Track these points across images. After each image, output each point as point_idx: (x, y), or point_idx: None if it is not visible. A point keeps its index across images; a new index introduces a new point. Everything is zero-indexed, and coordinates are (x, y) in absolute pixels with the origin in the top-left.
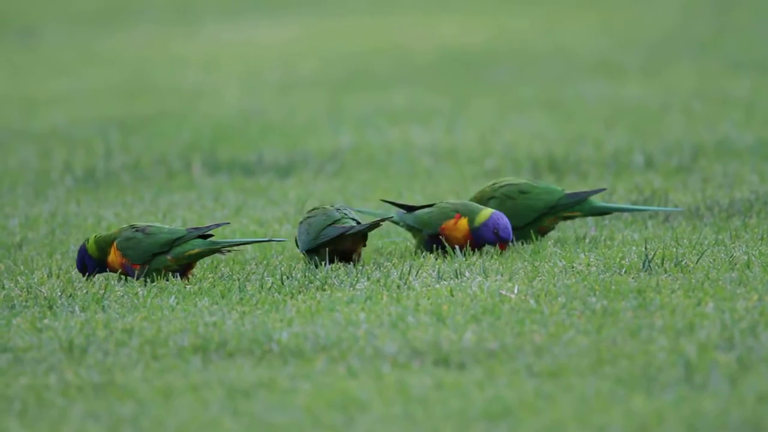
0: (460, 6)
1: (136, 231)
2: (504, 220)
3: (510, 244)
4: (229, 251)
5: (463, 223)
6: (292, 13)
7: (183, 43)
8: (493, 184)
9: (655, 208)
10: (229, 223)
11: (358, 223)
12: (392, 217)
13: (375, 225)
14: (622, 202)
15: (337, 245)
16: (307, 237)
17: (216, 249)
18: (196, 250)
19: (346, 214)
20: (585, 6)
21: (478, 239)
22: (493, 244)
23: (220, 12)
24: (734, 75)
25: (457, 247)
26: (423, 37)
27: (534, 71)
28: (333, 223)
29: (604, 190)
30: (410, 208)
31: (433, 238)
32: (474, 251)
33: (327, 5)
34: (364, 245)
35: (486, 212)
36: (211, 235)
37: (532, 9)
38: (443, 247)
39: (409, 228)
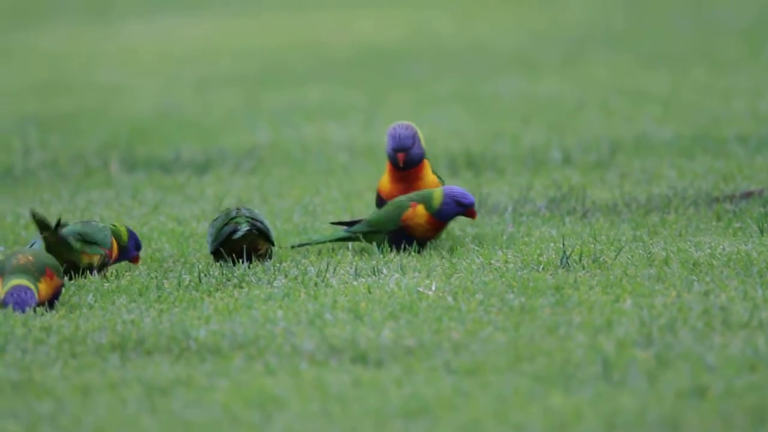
0: (376, 1)
1: None
2: (457, 189)
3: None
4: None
5: (421, 209)
6: (209, 10)
7: (99, 40)
8: None
9: None
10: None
11: (260, 223)
12: (247, 228)
13: (257, 230)
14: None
15: (234, 246)
16: (210, 239)
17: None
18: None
19: (243, 214)
20: (501, 1)
21: (444, 217)
22: (461, 214)
23: (137, 9)
24: (650, 69)
25: (384, 243)
26: (339, 33)
27: (450, 67)
28: (228, 223)
29: None
30: (352, 223)
31: (396, 234)
32: (399, 249)
33: (243, 2)
34: (272, 244)
35: (438, 191)
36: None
37: (448, 4)
38: (409, 242)
39: (367, 234)
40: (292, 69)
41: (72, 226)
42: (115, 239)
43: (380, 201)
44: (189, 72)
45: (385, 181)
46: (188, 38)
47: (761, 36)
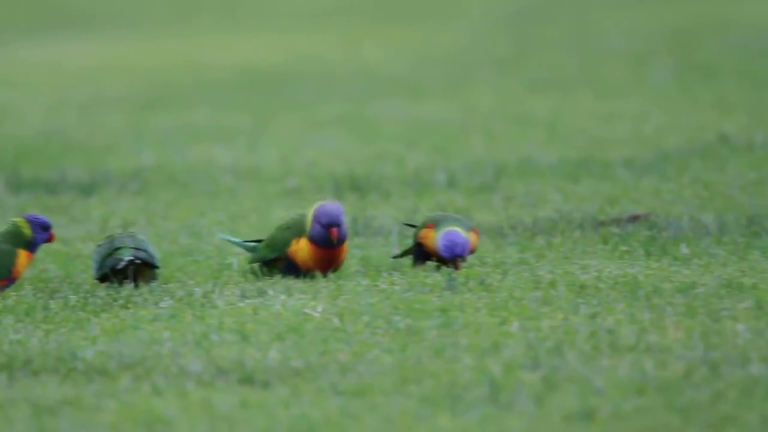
0: (262, 24)
1: None
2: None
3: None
4: None
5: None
6: (96, 32)
7: None
8: None
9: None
10: None
11: (143, 251)
12: (130, 258)
13: (140, 260)
14: None
15: (118, 274)
16: (95, 265)
17: None
18: None
19: (126, 243)
20: (386, 25)
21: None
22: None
23: (24, 30)
24: (535, 94)
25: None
26: (224, 56)
27: (335, 89)
28: (112, 253)
29: None
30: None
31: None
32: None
33: (130, 25)
34: (157, 267)
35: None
36: None
37: (332, 27)
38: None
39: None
40: (178, 91)
41: None
42: (23, 248)
43: (294, 269)
44: (75, 93)
45: (306, 255)
46: (75, 60)
47: (646, 61)
